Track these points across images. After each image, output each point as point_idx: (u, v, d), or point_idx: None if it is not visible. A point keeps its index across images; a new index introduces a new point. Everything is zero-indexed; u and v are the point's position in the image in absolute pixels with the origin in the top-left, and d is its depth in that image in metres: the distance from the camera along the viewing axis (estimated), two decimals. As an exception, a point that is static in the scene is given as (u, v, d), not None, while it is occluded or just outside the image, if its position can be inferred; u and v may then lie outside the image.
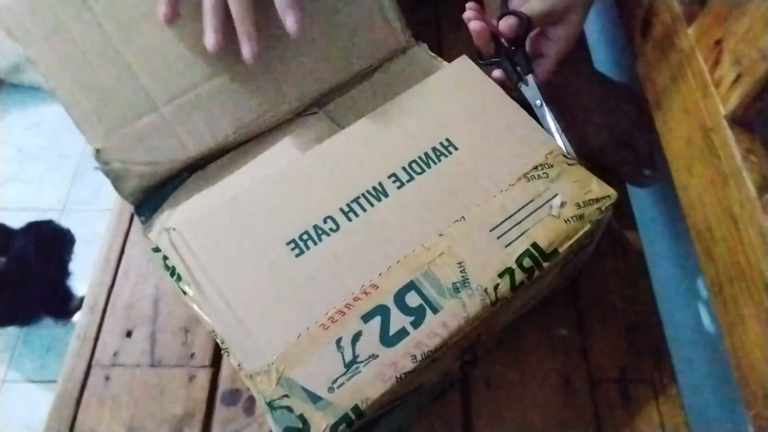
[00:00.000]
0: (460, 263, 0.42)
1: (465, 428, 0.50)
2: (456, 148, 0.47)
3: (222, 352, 0.41)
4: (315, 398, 0.38)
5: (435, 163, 0.46)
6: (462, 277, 0.41)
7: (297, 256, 0.42)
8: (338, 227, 0.43)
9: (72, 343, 0.55)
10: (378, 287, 0.41)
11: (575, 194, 0.45)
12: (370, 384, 0.38)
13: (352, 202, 0.44)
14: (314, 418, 0.37)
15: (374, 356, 0.39)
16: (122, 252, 0.61)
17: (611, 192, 0.45)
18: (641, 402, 0.51)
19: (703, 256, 0.48)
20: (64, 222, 1.30)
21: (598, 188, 0.45)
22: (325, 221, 0.43)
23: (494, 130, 0.48)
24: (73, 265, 1.23)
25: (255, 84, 0.50)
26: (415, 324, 0.40)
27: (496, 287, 0.41)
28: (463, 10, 0.53)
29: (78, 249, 1.26)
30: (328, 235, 0.43)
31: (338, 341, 0.39)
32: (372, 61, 0.54)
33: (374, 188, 0.45)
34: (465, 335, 0.41)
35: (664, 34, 0.54)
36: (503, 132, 0.48)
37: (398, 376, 0.38)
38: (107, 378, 0.53)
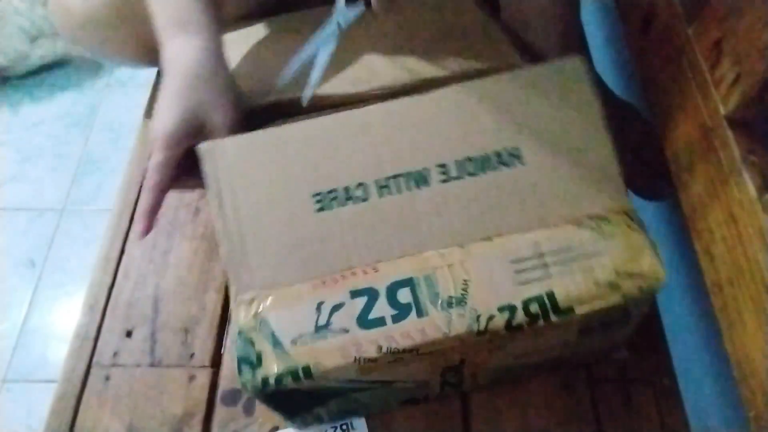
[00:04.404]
0: (465, 281, 0.40)
1: (465, 428, 0.50)
2: (523, 164, 0.42)
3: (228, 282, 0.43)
4: (277, 344, 0.39)
5: (493, 169, 0.42)
6: (461, 294, 0.40)
7: (318, 210, 0.42)
8: (367, 198, 0.42)
9: (72, 342, 0.55)
10: (378, 271, 0.41)
11: (620, 261, 0.40)
12: (330, 353, 0.39)
13: (391, 177, 0.42)
14: (268, 360, 0.39)
15: (345, 330, 0.39)
16: (122, 252, 0.61)
17: (661, 275, 0.40)
18: (641, 402, 0.51)
19: (703, 256, 0.48)
20: (64, 222, 1.30)
21: (648, 266, 0.40)
22: (357, 187, 0.42)
23: (572, 160, 0.43)
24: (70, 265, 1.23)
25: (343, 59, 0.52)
26: (396, 319, 0.40)
27: (489, 318, 0.39)
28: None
29: (78, 249, 1.26)
30: (354, 202, 0.42)
31: (320, 304, 0.40)
32: (476, 66, 0.52)
33: (419, 173, 0.42)
34: (442, 353, 0.40)
35: (664, 34, 0.54)
36: (581, 165, 0.43)
37: (357, 357, 0.39)
38: (107, 378, 0.53)
